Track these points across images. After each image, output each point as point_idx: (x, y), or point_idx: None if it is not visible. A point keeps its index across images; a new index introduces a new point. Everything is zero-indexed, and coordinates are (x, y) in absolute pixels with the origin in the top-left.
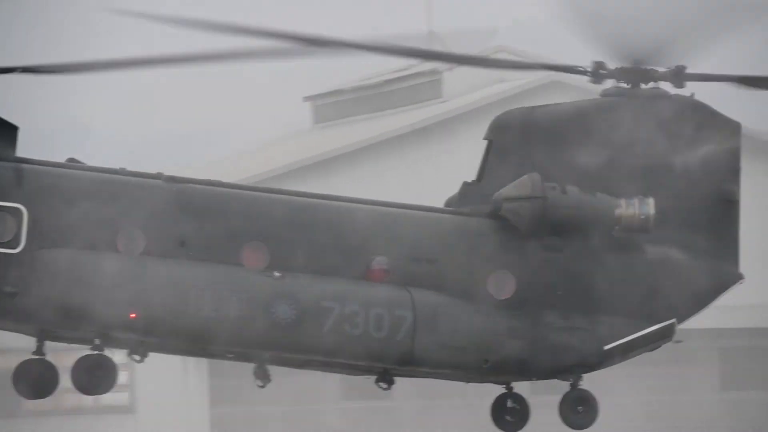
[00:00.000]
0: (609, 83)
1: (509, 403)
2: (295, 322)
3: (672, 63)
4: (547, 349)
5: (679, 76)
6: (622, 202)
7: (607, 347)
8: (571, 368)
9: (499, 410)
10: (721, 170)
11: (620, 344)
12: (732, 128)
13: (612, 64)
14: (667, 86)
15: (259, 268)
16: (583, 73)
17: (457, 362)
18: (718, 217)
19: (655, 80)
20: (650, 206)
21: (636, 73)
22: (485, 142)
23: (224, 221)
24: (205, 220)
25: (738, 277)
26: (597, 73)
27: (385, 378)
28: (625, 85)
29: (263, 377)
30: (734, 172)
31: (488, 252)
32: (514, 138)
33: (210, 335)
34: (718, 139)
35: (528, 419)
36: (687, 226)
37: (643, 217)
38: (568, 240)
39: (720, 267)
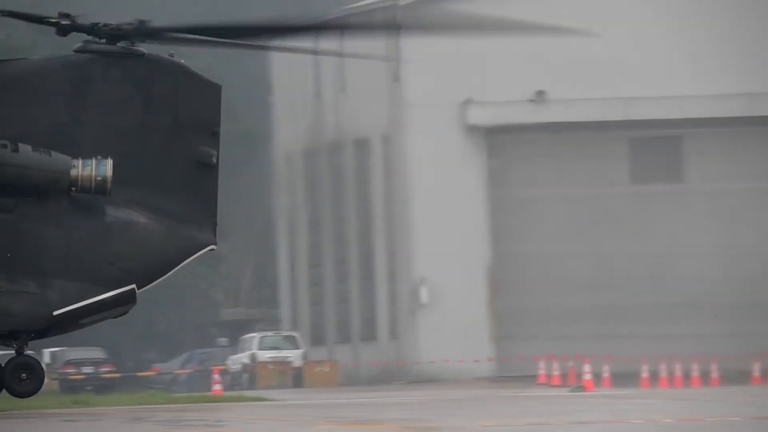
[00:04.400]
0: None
1: None
2: None
3: (136, 18)
4: None
5: (141, 31)
6: (78, 162)
7: (57, 312)
8: (15, 334)
9: None
10: (198, 133)
11: (72, 309)
12: (212, 91)
13: (80, 18)
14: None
15: None
16: (52, 24)
17: None
18: (192, 180)
19: (126, 37)
20: (107, 168)
21: (105, 28)
22: None
23: None
24: None
25: (209, 242)
26: (62, 25)
27: None
28: (99, 42)
29: None
30: (213, 135)
31: None
32: None
33: None
34: (195, 101)
35: (2, 387)
36: (157, 189)
37: (99, 178)
38: (19, 200)
39: (188, 231)
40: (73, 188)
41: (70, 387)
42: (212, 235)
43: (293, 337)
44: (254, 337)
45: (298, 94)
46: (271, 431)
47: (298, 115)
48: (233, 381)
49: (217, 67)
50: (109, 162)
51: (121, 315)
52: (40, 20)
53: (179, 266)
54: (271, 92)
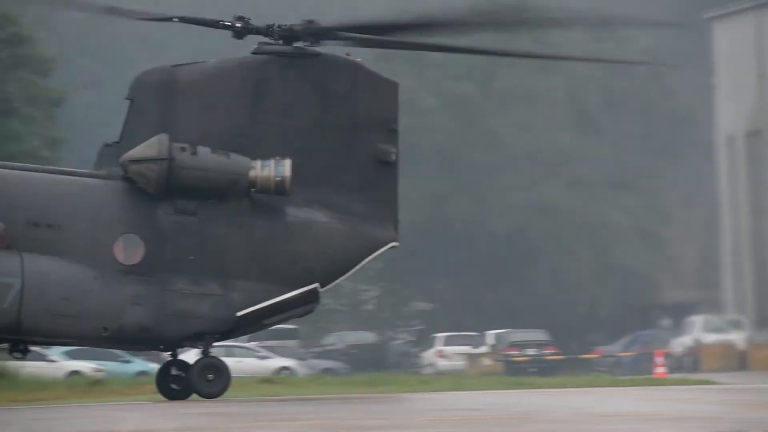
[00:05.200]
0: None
1: (174, 371)
2: None
3: (305, 19)
4: (174, 317)
5: (311, 30)
6: (258, 163)
7: (240, 313)
8: (200, 336)
9: (164, 378)
10: (376, 131)
11: (255, 310)
12: (389, 88)
13: (256, 21)
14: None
15: None
16: (227, 27)
17: (71, 331)
18: (371, 178)
19: (299, 37)
20: (286, 168)
21: (279, 29)
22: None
23: None
24: None
25: (390, 239)
26: (237, 28)
27: (18, 347)
28: (274, 43)
29: None
30: (391, 133)
31: (115, 215)
32: (154, 97)
33: None
34: (373, 100)
35: (190, 389)
36: (336, 188)
37: (278, 179)
38: (201, 203)
39: (369, 229)
40: (253, 189)
41: (513, 369)
42: (394, 232)
43: (738, 320)
44: (698, 319)
45: (741, 75)
46: (700, 413)
47: (741, 96)
48: (677, 364)
49: (658, 48)
50: (288, 162)
51: (305, 314)
52: (214, 24)
53: (361, 264)
54: (713, 73)
